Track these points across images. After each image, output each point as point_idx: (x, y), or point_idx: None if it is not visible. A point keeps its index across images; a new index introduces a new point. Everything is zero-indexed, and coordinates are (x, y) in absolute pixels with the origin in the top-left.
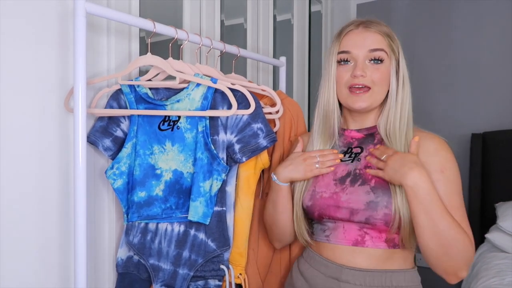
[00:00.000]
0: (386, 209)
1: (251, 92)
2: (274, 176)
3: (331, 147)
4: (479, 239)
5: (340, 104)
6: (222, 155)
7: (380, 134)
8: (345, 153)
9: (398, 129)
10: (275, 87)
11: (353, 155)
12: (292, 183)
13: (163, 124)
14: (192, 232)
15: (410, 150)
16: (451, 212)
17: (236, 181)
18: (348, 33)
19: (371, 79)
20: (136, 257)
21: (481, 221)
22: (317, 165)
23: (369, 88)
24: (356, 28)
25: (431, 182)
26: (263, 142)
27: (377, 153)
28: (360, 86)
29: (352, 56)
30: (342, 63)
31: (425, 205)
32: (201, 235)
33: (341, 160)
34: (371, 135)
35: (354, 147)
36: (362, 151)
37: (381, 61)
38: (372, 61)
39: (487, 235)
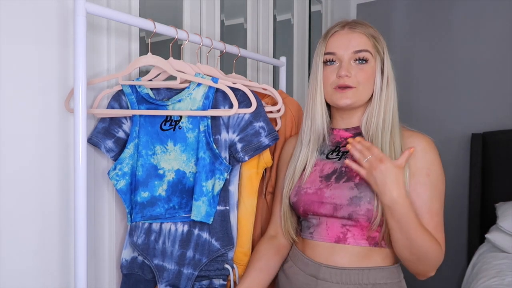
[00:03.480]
0: (369, 205)
1: (252, 91)
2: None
3: (319, 147)
4: (479, 239)
5: (328, 104)
6: (225, 154)
7: (365, 134)
8: (332, 151)
9: (382, 127)
10: (275, 87)
11: (340, 153)
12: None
13: (165, 124)
14: (196, 231)
15: (399, 160)
16: (429, 217)
17: (239, 180)
18: (334, 34)
19: (356, 79)
20: (140, 258)
21: (481, 221)
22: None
23: (354, 87)
24: (341, 29)
25: (409, 203)
26: (265, 140)
27: (358, 147)
28: (346, 86)
29: (338, 57)
30: (328, 63)
31: (401, 224)
32: (205, 235)
33: (329, 158)
34: (359, 134)
35: (342, 146)
36: None
37: (366, 61)
38: (357, 61)
39: (487, 235)
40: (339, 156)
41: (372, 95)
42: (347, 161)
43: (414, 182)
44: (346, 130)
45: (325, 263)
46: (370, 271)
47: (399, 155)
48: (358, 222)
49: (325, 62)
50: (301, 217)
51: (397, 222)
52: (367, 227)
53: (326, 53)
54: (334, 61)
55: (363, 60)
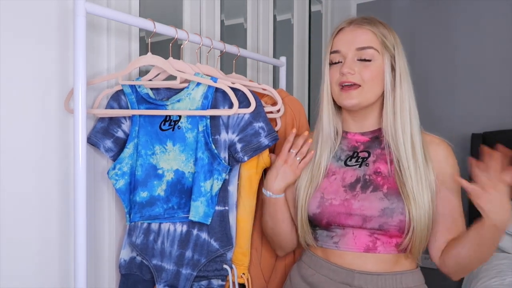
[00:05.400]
0: (401, 216)
1: (251, 91)
2: (268, 192)
3: (334, 150)
4: None
5: (339, 107)
6: (224, 154)
7: (385, 137)
8: (351, 157)
9: (400, 129)
10: (275, 87)
11: (360, 160)
12: (286, 191)
13: (164, 124)
14: (195, 232)
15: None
16: (462, 220)
17: (238, 181)
18: (340, 31)
19: (360, 77)
20: (139, 258)
21: None
22: (298, 158)
23: (359, 85)
24: (347, 26)
25: None
26: (264, 141)
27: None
28: (350, 84)
29: (342, 55)
30: (334, 63)
31: (492, 242)
32: (204, 235)
33: (348, 165)
34: (377, 138)
35: (361, 151)
36: (369, 155)
37: (370, 59)
38: (361, 59)
39: None
40: (359, 163)
41: (383, 95)
42: (458, 179)
43: (445, 189)
44: (363, 134)
45: (358, 269)
46: (402, 275)
47: (422, 162)
48: (388, 232)
49: (331, 63)
50: (320, 227)
51: (489, 240)
52: (396, 236)
53: (331, 52)
54: (340, 61)
55: (367, 58)
